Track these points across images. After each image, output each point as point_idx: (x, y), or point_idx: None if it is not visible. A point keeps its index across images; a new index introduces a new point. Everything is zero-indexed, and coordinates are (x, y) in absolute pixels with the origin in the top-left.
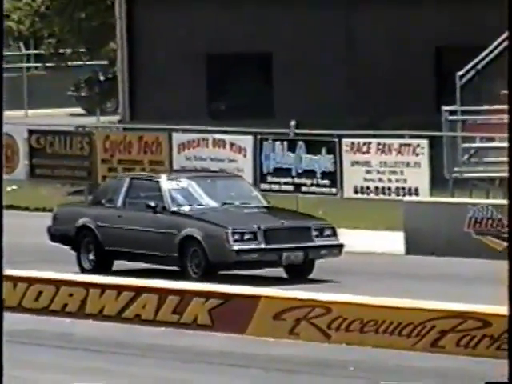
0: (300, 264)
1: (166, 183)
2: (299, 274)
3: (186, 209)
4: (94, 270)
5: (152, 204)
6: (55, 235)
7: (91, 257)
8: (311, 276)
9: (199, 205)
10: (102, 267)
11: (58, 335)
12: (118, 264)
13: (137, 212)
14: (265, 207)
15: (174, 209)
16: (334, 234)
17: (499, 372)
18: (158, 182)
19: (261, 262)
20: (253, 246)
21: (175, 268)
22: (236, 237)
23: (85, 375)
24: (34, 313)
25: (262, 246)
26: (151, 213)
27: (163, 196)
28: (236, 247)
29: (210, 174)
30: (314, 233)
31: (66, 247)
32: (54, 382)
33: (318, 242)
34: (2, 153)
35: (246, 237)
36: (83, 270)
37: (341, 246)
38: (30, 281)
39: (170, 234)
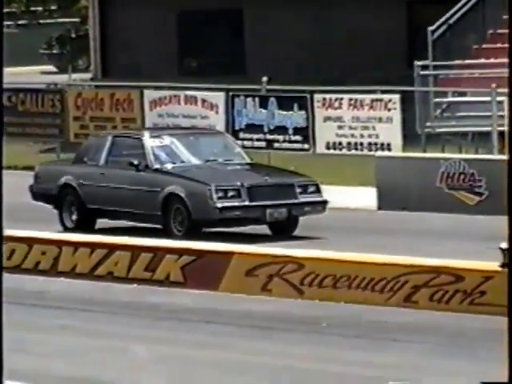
0: (284, 221)
1: (148, 141)
2: (283, 230)
3: (169, 166)
4: (77, 229)
5: (135, 162)
6: (37, 194)
7: (74, 215)
8: (295, 233)
9: (182, 162)
10: (84, 226)
11: (31, 293)
12: (101, 222)
13: (119, 170)
14: (248, 164)
15: (157, 166)
16: (318, 191)
17: (472, 326)
18: (140, 139)
19: (244, 219)
20: (236, 203)
21: (158, 226)
22: (219, 194)
23: (58, 333)
24: (7, 271)
25: (246, 203)
26: (134, 171)
27: (146, 154)
28: (219, 204)
29: (192, 131)
30: (298, 189)
31: (47, 205)
32: (28, 340)
33: (302, 198)
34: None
35: (230, 194)
36: (66, 229)
37: (325, 202)
38: (3, 239)
39: (152, 191)
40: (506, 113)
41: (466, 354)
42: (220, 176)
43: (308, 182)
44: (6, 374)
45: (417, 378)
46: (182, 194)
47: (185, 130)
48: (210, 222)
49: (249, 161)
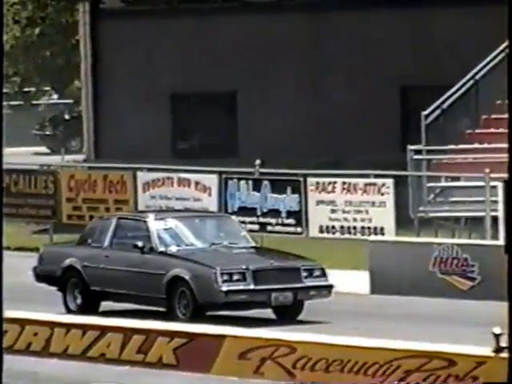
0: (289, 305)
1: (153, 223)
2: (288, 314)
3: (174, 249)
4: (81, 311)
5: (139, 244)
6: (41, 275)
7: (78, 298)
8: (300, 317)
9: (187, 245)
10: (88, 308)
11: (23, 374)
12: (105, 305)
13: (124, 252)
14: (253, 247)
15: (162, 249)
16: (324, 275)
17: None
18: (145, 221)
19: (250, 303)
20: (241, 287)
21: (162, 309)
22: (225, 277)
23: None
24: None
25: (251, 286)
26: (138, 253)
27: (151, 236)
28: (225, 288)
29: (197, 213)
30: (304, 273)
31: (50, 288)
32: None
33: (308, 282)
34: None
35: (235, 277)
36: (69, 311)
37: (330, 286)
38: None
39: (157, 274)
40: (499, 198)
41: None
42: (225, 259)
43: (313, 265)
44: None
45: None
46: (187, 277)
47: (190, 213)
48: (215, 306)
49: (254, 244)
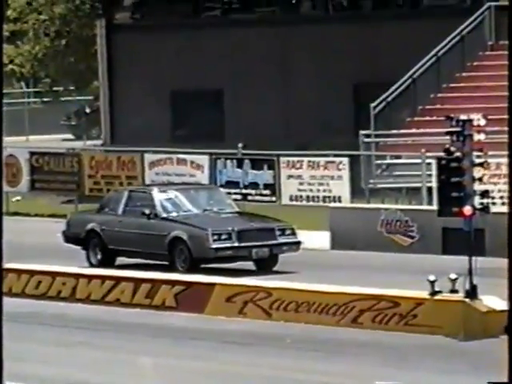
0: (266, 258)
1: (157, 194)
2: (265, 266)
3: (174, 215)
4: (100, 265)
5: (146, 211)
6: (68, 237)
7: (98, 254)
8: (275, 268)
9: (184, 211)
10: (106, 263)
11: (54, 316)
12: (120, 260)
13: (134, 218)
14: (237, 212)
15: (164, 215)
16: (294, 233)
17: (406, 343)
18: (151, 193)
19: (235, 257)
20: (228, 245)
21: (166, 263)
22: (214, 237)
23: (76, 347)
24: (35, 298)
25: (236, 244)
26: (146, 218)
27: (155, 205)
28: (214, 245)
29: (192, 186)
30: (278, 232)
31: (77, 247)
32: (51, 354)
33: (281, 239)
34: (1, 162)
35: (223, 237)
36: (91, 265)
37: (299, 242)
38: (32, 272)
39: (161, 235)
40: (433, 172)
41: (401, 364)
42: (215, 222)
43: (285, 226)
44: (34, 381)
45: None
46: (185, 237)
47: (186, 186)
48: (207, 260)
49: (237, 210)
